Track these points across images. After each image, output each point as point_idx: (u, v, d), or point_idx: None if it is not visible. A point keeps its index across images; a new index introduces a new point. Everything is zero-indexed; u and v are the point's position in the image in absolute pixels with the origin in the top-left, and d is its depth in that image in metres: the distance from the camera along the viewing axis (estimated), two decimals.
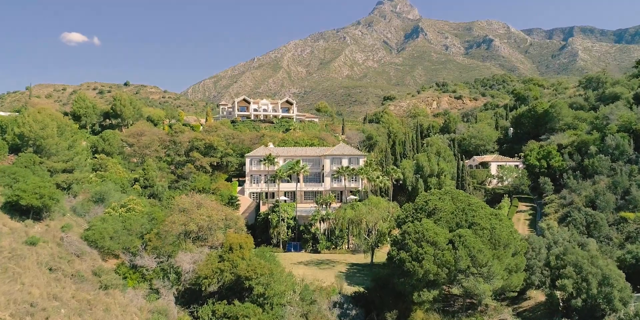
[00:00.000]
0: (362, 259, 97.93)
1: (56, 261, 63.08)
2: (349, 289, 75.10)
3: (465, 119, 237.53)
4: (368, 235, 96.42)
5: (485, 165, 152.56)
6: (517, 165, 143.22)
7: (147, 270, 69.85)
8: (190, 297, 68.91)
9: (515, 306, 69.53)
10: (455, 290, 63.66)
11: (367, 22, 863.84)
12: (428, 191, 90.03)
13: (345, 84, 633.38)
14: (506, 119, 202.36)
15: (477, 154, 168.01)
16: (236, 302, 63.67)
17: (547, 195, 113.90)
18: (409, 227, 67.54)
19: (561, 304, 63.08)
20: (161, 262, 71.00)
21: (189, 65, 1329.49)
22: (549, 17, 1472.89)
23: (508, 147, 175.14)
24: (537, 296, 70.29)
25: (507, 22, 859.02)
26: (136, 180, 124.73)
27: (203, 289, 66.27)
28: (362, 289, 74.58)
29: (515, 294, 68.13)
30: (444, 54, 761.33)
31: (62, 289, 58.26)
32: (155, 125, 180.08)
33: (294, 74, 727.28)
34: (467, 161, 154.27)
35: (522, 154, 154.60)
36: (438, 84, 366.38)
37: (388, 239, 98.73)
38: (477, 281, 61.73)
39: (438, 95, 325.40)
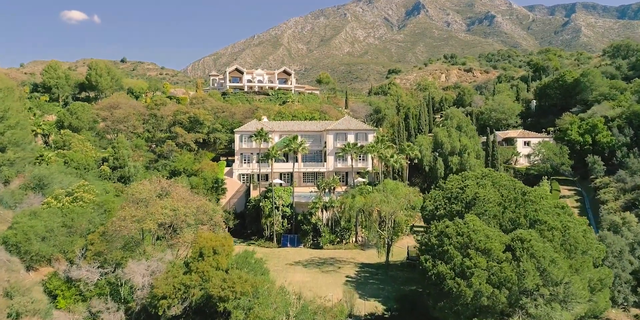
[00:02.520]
0: (374, 256, 79.29)
1: None
2: (362, 306, 56.10)
3: (479, 92, 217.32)
4: (380, 226, 76.72)
5: (510, 141, 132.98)
6: (546, 142, 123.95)
7: (86, 284, 50.93)
8: None
9: None
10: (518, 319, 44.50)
11: None
12: (460, 173, 70.80)
13: (346, 60, 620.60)
14: (527, 91, 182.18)
15: (498, 129, 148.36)
16: None
17: (596, 178, 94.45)
18: (447, 226, 48.28)
19: None
20: (106, 273, 52.02)
21: (189, 43, 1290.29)
22: None
23: (533, 121, 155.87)
24: (621, 318, 51.39)
25: None
26: (105, 160, 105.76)
27: (160, 312, 47.57)
28: (380, 308, 55.49)
29: None
30: (445, 30, 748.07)
31: None
32: (137, 98, 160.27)
33: (294, 51, 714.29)
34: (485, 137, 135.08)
35: (552, 128, 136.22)
36: (446, 56, 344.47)
37: (406, 229, 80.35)
38: (552, 307, 42.72)
39: (447, 68, 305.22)
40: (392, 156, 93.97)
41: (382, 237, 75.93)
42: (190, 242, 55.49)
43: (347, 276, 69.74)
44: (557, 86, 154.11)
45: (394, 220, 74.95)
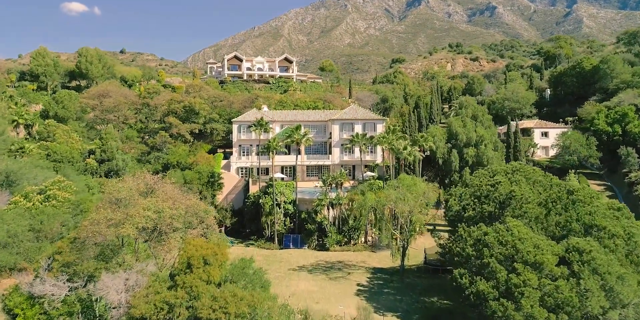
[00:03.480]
0: (386, 259, 70.94)
1: None
2: None
3: (488, 81, 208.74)
4: (394, 224, 68.16)
5: (526, 132, 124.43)
6: (564, 132, 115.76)
7: (52, 301, 42.70)
8: None
9: None
10: None
11: None
12: (486, 168, 62.51)
13: (347, 52, 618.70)
14: (540, 80, 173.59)
15: (512, 119, 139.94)
16: None
17: (630, 171, 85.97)
18: (486, 234, 39.92)
19: None
20: (76, 288, 43.74)
21: (189, 35, 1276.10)
22: None
23: (548, 111, 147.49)
24: None
25: None
26: (92, 152, 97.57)
27: None
28: None
29: None
30: (446, 21, 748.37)
31: None
32: (130, 86, 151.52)
33: (294, 43, 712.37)
34: (500, 128, 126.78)
35: (570, 118, 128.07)
36: (451, 45, 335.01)
37: (420, 228, 72.08)
38: None
39: (452, 57, 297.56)
40: (405, 148, 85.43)
41: (394, 237, 67.77)
42: (178, 248, 47.17)
43: (358, 284, 61.57)
44: (574, 74, 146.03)
45: (410, 220, 66.60)
